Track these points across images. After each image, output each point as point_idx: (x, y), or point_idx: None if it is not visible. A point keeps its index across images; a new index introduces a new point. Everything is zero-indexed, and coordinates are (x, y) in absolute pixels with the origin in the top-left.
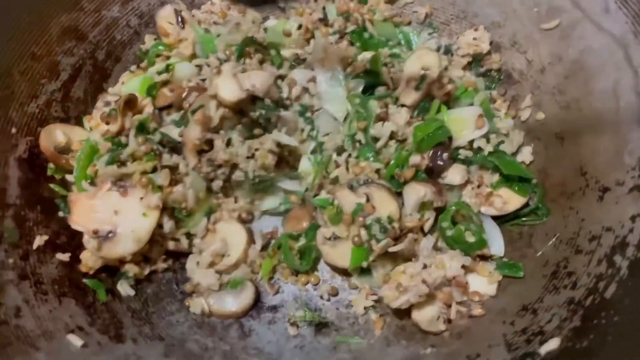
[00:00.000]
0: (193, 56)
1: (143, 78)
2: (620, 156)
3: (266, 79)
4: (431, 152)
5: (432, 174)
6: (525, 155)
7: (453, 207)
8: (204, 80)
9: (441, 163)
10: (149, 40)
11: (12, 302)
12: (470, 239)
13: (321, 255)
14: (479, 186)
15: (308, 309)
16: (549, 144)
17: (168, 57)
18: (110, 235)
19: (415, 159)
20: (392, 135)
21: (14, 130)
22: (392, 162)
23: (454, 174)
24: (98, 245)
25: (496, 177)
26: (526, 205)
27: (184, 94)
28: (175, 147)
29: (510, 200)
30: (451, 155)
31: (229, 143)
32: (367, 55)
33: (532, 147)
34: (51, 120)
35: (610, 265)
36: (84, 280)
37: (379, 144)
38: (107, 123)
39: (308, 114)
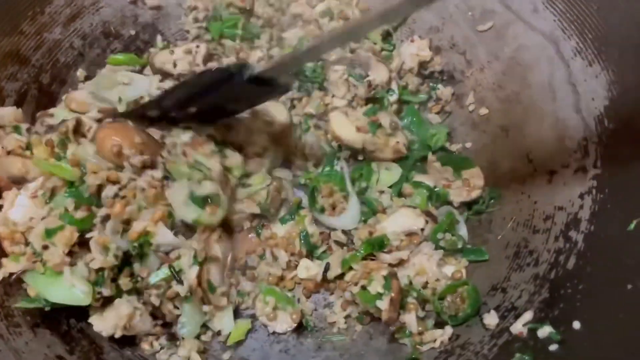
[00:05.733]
0: None
1: None
2: (562, 141)
3: None
4: None
5: None
6: None
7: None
8: None
9: None
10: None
11: None
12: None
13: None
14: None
15: None
16: (495, 137)
17: None
18: None
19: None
20: None
21: None
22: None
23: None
24: None
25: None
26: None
27: None
28: None
29: (475, 177)
30: None
31: None
32: None
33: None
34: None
35: (567, 240)
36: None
37: None
38: (52, 147)
39: None
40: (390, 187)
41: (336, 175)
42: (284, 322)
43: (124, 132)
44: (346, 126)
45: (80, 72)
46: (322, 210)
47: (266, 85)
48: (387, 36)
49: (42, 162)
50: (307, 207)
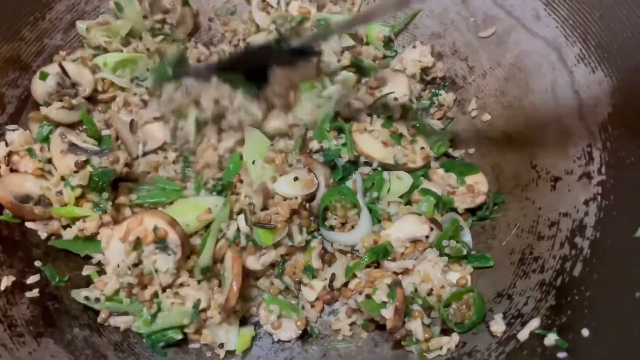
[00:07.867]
0: None
1: None
2: (565, 148)
3: None
4: None
5: None
6: None
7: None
8: None
9: None
10: None
11: None
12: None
13: None
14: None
15: None
16: (498, 142)
17: None
18: None
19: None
20: None
21: None
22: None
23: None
24: None
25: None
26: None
27: None
28: None
29: (478, 183)
30: None
31: None
32: None
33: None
34: None
35: (573, 246)
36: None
37: None
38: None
39: None
40: (400, 196)
41: (348, 191)
42: (289, 330)
43: None
44: (373, 144)
45: None
46: (332, 228)
47: (301, 53)
48: (388, 42)
49: (63, 210)
50: (318, 237)
